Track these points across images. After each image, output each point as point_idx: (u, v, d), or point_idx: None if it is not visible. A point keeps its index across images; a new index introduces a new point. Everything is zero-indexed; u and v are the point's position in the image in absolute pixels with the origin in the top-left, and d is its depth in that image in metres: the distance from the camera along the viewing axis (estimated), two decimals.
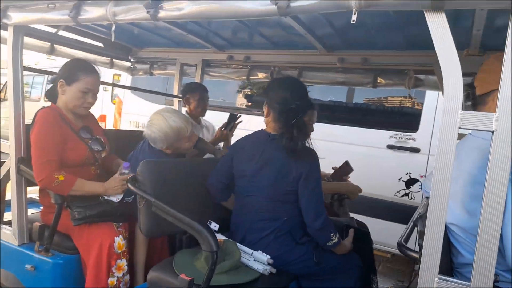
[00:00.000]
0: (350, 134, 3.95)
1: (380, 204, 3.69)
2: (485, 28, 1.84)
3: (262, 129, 1.93)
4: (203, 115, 3.12)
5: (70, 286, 1.85)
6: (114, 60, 3.55)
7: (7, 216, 2.20)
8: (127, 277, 1.85)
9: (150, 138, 2.03)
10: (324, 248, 1.82)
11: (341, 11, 1.20)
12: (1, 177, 2.06)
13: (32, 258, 1.86)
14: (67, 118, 1.97)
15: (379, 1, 1.11)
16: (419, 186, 3.64)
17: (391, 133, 3.78)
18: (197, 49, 3.17)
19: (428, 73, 2.60)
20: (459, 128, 1.02)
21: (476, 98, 1.25)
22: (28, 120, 2.01)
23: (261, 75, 3.18)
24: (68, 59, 3.19)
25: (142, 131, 2.12)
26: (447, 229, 1.19)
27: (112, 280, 1.80)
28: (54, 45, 3.05)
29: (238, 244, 1.75)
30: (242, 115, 2.93)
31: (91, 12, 1.67)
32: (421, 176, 3.62)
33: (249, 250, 1.75)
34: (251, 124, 3.12)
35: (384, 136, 3.80)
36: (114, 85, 5.20)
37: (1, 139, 2.10)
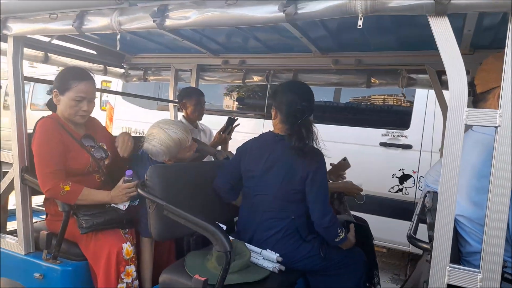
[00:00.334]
0: (344, 133, 4.03)
1: (375, 200, 3.77)
2: (475, 28, 1.93)
3: (269, 131, 1.99)
4: (200, 119, 3.15)
5: None
6: (107, 67, 3.55)
7: (10, 225, 2.21)
8: (136, 283, 1.87)
9: (151, 152, 1.99)
10: (330, 245, 1.88)
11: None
12: (4, 187, 2.05)
13: (40, 267, 1.87)
14: (67, 126, 1.97)
15: (385, 6, 1.16)
16: (412, 181, 3.74)
17: (384, 131, 3.87)
18: (192, 54, 3.20)
19: (420, 72, 2.68)
20: (465, 124, 1.08)
21: (477, 96, 1.32)
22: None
23: (256, 78, 3.23)
24: (62, 67, 3.21)
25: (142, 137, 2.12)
26: (454, 221, 1.25)
27: (121, 286, 1.82)
28: (48, 54, 3.04)
29: (246, 244, 1.79)
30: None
31: (95, 22, 1.68)
32: (414, 172, 3.72)
33: (258, 249, 1.79)
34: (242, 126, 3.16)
35: (377, 134, 3.89)
36: (111, 91, 5.18)
37: (2, 149, 2.10)
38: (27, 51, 2.81)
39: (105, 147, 2.10)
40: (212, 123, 3.58)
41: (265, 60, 3.02)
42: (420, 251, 3.34)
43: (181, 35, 2.69)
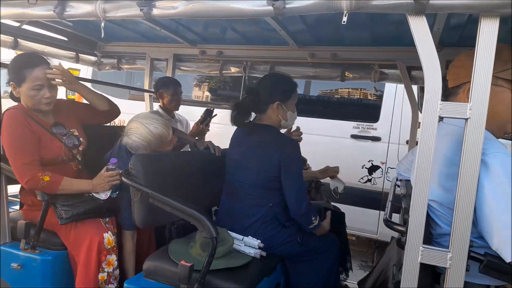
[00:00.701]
0: (317, 125, 4.14)
1: (345, 190, 3.91)
2: (445, 26, 2.05)
3: (252, 120, 2.05)
4: (177, 109, 3.15)
5: (60, 282, 1.85)
6: (79, 54, 3.45)
7: None
8: (117, 272, 1.88)
9: (131, 146, 1.96)
10: (306, 231, 1.96)
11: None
12: None
13: (18, 257, 1.84)
14: (35, 116, 1.91)
15: (368, 4, 1.23)
16: (380, 172, 3.91)
17: (355, 123, 4.01)
18: (168, 43, 3.17)
19: (392, 67, 2.80)
20: (439, 116, 1.18)
21: (448, 90, 1.42)
22: None
23: (234, 69, 3.25)
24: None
25: (119, 127, 2.11)
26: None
27: (102, 275, 1.82)
28: (18, 39, 2.93)
29: (229, 231, 1.85)
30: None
31: (78, 8, 1.64)
32: (382, 163, 3.89)
33: (240, 236, 1.86)
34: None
35: (348, 127, 4.03)
36: (82, 79, 5.01)
37: None
38: None
39: (77, 133, 2.06)
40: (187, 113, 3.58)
41: (243, 52, 3.05)
42: (386, 239, 3.53)
43: (158, 23, 2.66)
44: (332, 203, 2.83)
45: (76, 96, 5.70)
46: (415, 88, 2.85)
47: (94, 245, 1.79)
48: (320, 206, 2.29)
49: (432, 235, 1.39)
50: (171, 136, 2.06)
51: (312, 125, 4.13)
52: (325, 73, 2.98)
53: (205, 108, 3.04)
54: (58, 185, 1.81)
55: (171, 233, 1.96)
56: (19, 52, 2.71)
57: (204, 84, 5.19)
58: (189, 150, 2.78)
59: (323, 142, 4.06)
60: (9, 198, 2.36)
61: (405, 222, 1.28)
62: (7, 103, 2.00)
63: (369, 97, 4.19)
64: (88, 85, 5.16)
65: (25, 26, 2.83)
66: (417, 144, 1.23)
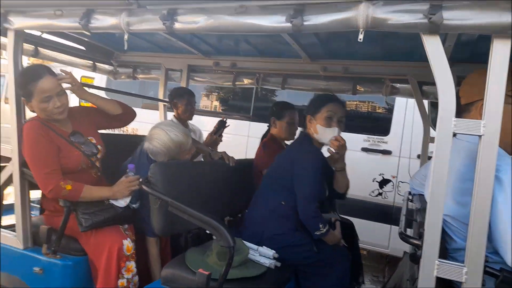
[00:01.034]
0: None
1: (356, 204, 3.92)
2: (456, 43, 2.08)
3: None
4: (191, 119, 3.20)
5: (79, 286, 1.89)
6: (96, 63, 3.55)
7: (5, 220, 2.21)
8: (136, 278, 1.91)
9: (151, 151, 2.04)
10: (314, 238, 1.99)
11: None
12: (2, 181, 2.05)
13: (39, 261, 1.89)
14: (53, 126, 1.94)
15: (384, 23, 1.27)
16: (391, 186, 3.91)
17: (365, 136, 4.04)
18: (183, 54, 3.24)
19: (403, 82, 2.84)
20: (453, 132, 1.21)
21: (461, 107, 1.45)
22: None
23: (246, 81, 3.31)
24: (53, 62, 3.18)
25: (136, 136, 2.17)
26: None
27: (122, 282, 1.86)
28: (38, 48, 3.02)
29: (244, 241, 1.88)
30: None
31: (103, 21, 1.71)
32: (393, 177, 3.90)
33: (255, 246, 1.89)
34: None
35: (358, 140, 4.05)
36: (100, 88, 5.11)
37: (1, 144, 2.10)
38: None
39: (94, 141, 2.10)
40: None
41: (256, 64, 3.12)
42: (398, 254, 3.52)
43: (174, 35, 2.73)
44: (342, 216, 2.85)
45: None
46: (426, 103, 2.88)
47: (114, 251, 1.83)
48: (327, 218, 2.32)
49: (448, 250, 1.41)
50: (190, 145, 2.11)
51: None
52: (336, 87, 3.03)
53: (218, 119, 3.09)
54: (79, 193, 1.86)
55: (186, 241, 2.01)
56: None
57: (215, 94, 5.27)
58: (202, 160, 2.83)
59: None
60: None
61: (420, 236, 1.30)
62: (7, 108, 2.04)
63: (380, 111, 4.22)
64: (102, 93, 5.29)
65: (45, 35, 2.92)
66: (429, 158, 1.26)
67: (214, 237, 1.77)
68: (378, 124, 4.15)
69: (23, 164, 1.94)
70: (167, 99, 3.28)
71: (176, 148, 2.04)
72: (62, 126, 1.99)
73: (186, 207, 1.63)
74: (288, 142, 2.78)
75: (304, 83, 3.13)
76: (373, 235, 3.90)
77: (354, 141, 4.07)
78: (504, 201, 1.18)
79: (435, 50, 1.25)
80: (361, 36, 1.34)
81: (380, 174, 3.94)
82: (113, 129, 5.15)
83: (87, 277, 1.90)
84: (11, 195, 2.34)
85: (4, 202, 2.21)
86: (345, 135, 4.04)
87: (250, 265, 1.77)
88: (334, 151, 2.02)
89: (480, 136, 1.18)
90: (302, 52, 2.69)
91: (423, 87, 2.75)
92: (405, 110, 3.95)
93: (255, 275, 1.70)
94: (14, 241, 1.98)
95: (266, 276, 1.74)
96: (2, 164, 2.08)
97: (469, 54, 2.35)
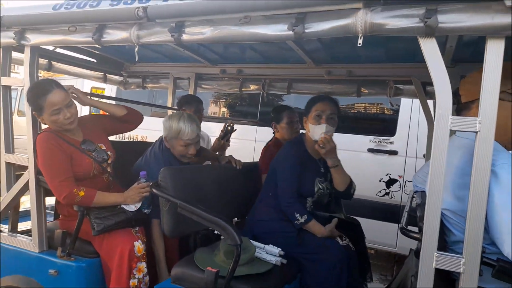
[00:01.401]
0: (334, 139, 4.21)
1: (363, 204, 3.97)
2: (456, 43, 2.13)
3: None
4: None
5: (93, 287, 1.97)
6: (107, 75, 3.66)
7: (21, 226, 2.30)
8: (147, 278, 1.98)
9: (163, 123, 2.28)
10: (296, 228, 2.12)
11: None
12: (18, 189, 2.14)
13: (54, 264, 1.97)
14: (64, 136, 2.03)
15: (382, 27, 1.34)
16: (398, 186, 3.95)
17: (371, 137, 4.08)
18: (190, 63, 3.33)
19: (406, 83, 2.89)
20: (450, 130, 1.27)
21: (462, 104, 1.50)
22: None
23: (252, 87, 3.39)
24: (65, 75, 3.29)
25: (146, 143, 2.28)
26: (440, 214, 1.43)
27: (133, 282, 1.93)
28: (52, 61, 3.14)
29: (250, 240, 1.95)
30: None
31: (114, 35, 1.80)
32: (400, 177, 3.94)
33: (261, 245, 1.96)
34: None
35: (364, 141, 4.10)
36: (108, 97, 5.25)
37: (17, 153, 2.20)
38: None
39: (104, 147, 2.19)
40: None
41: (261, 70, 3.19)
42: (405, 252, 3.55)
43: (182, 45, 2.82)
44: (350, 215, 2.89)
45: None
46: (430, 103, 2.93)
47: (125, 253, 1.90)
48: (325, 216, 2.38)
49: (447, 243, 1.46)
50: (189, 140, 2.22)
51: None
52: (341, 90, 3.09)
53: (225, 124, 3.17)
54: (92, 199, 1.95)
55: (195, 242, 2.08)
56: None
57: (221, 100, 5.36)
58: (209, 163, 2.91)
59: (340, 156, 4.13)
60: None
61: (420, 230, 1.35)
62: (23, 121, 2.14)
63: (386, 112, 4.27)
64: (113, 103, 5.40)
65: (58, 49, 3.04)
66: None
67: (222, 237, 1.84)
68: (384, 125, 4.19)
69: (38, 172, 2.03)
70: (175, 107, 3.37)
71: (174, 132, 2.20)
72: (73, 136, 2.09)
73: (194, 208, 1.70)
74: None
75: (309, 87, 3.19)
76: (380, 235, 3.94)
77: (361, 142, 4.12)
78: (499, 195, 1.23)
79: (431, 52, 1.30)
80: (360, 41, 1.40)
81: (387, 174, 3.98)
82: (123, 137, 5.31)
83: (100, 278, 1.98)
84: (24, 203, 2.45)
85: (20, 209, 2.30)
86: (351, 137, 4.17)
87: (256, 262, 1.83)
88: (320, 146, 2.13)
89: (476, 132, 1.24)
90: (306, 57, 2.75)
91: (427, 87, 2.79)
92: (411, 111, 3.99)
93: (262, 272, 1.76)
94: (30, 245, 2.07)
95: (272, 273, 1.81)
96: (18, 173, 2.18)
97: (472, 54, 2.40)
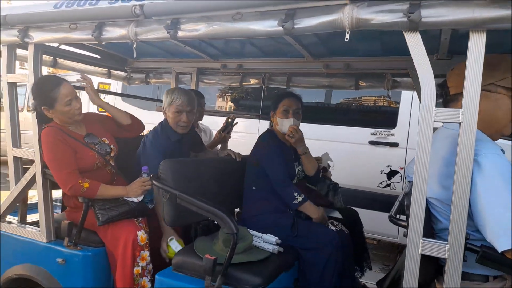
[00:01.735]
0: (335, 132, 4.27)
1: (365, 195, 4.02)
2: (452, 35, 2.16)
3: None
4: (201, 119, 3.35)
5: (99, 275, 2.06)
6: (111, 70, 3.73)
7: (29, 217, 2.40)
8: (150, 266, 2.06)
9: (163, 97, 2.52)
10: (292, 209, 2.22)
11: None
12: (26, 182, 2.23)
13: (62, 253, 2.06)
14: (68, 130, 2.12)
15: (367, 23, 1.38)
16: (399, 177, 3.99)
17: (372, 130, 4.12)
18: (192, 58, 3.38)
19: (404, 75, 2.91)
20: (434, 121, 1.31)
21: (450, 96, 1.54)
22: None
23: (253, 81, 3.44)
24: (70, 72, 3.37)
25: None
26: (427, 203, 1.47)
27: (137, 269, 2.01)
28: (57, 58, 3.22)
29: (248, 229, 2.01)
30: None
31: (113, 32, 1.87)
32: (401, 168, 3.97)
33: (259, 234, 2.02)
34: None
35: (365, 133, 4.13)
36: (112, 93, 5.34)
37: (24, 147, 2.29)
38: None
39: (107, 141, 2.27)
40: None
41: (261, 64, 3.23)
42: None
43: (182, 41, 2.87)
44: (350, 206, 2.94)
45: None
46: None
47: (129, 242, 1.98)
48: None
49: (434, 230, 1.51)
50: (179, 106, 2.40)
51: (330, 132, 4.27)
52: (339, 83, 3.12)
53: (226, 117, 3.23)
54: (96, 191, 2.03)
55: (196, 232, 2.15)
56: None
57: (227, 95, 5.42)
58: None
59: (342, 149, 4.19)
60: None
61: (407, 218, 1.40)
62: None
63: (386, 104, 4.29)
64: (118, 98, 5.48)
65: (62, 46, 3.11)
66: None
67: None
68: (385, 117, 4.22)
69: (44, 166, 2.12)
70: None
71: (169, 101, 2.44)
72: (76, 130, 2.18)
73: (192, 198, 1.77)
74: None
75: (308, 81, 3.23)
76: (382, 225, 3.96)
77: (361, 135, 4.16)
78: (481, 183, 1.27)
79: (415, 45, 1.35)
80: (347, 36, 1.45)
81: (388, 166, 4.02)
82: None
83: (105, 266, 2.07)
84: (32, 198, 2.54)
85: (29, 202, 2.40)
86: (351, 130, 4.21)
87: (254, 251, 1.90)
88: (290, 135, 2.31)
89: (459, 123, 1.28)
90: (304, 52, 2.79)
91: None
92: (411, 103, 4.02)
93: (259, 260, 1.82)
94: (38, 235, 2.17)
95: (270, 260, 1.87)
96: (25, 167, 2.27)
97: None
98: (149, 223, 2.17)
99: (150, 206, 2.17)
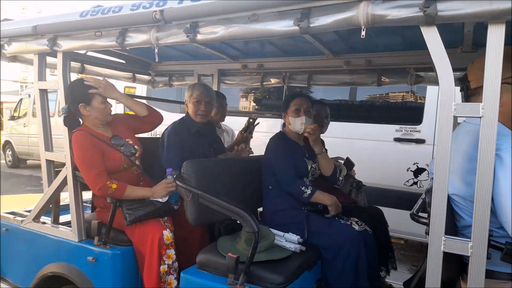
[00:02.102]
0: (359, 130, 4.22)
1: (391, 194, 3.95)
2: (475, 27, 2.10)
3: None
4: (223, 120, 3.39)
5: (127, 273, 2.13)
6: (136, 74, 3.84)
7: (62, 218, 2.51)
8: (176, 264, 2.12)
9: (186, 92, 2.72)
10: (305, 202, 2.24)
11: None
12: (57, 184, 2.34)
13: (92, 252, 2.15)
14: (96, 133, 2.22)
15: (383, 19, 1.37)
16: (426, 175, 3.90)
17: (397, 126, 4.04)
18: (213, 60, 3.44)
19: (428, 70, 2.85)
20: (454, 116, 1.29)
21: (470, 90, 1.51)
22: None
23: (273, 80, 3.46)
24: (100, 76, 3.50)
25: None
26: (450, 199, 1.45)
27: (163, 267, 2.07)
28: (84, 64, 3.35)
29: (270, 228, 2.03)
30: None
31: (135, 38, 1.94)
32: (427, 166, 3.88)
33: (281, 233, 2.04)
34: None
35: (390, 130, 4.07)
36: (139, 96, 5.49)
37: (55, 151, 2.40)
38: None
39: (131, 142, 2.35)
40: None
41: (281, 64, 3.25)
42: None
43: (202, 43, 2.92)
44: (374, 205, 2.91)
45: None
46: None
47: (155, 241, 2.04)
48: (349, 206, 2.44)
49: (457, 227, 1.48)
50: (197, 97, 2.58)
51: (354, 130, 4.22)
52: (361, 80, 3.09)
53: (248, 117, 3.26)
54: (123, 192, 2.11)
55: (220, 231, 2.19)
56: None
57: (250, 95, 5.46)
58: None
59: (366, 146, 4.14)
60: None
61: (429, 215, 1.38)
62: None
63: (412, 100, 4.21)
64: (143, 101, 5.60)
65: (89, 53, 3.23)
66: None
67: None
68: (411, 113, 4.14)
69: (75, 168, 2.22)
70: None
71: (189, 92, 2.63)
72: (104, 132, 2.27)
73: (214, 198, 1.81)
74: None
75: (329, 79, 3.22)
76: (410, 225, 3.85)
77: (387, 132, 4.10)
78: (504, 178, 1.25)
79: (433, 40, 1.34)
80: (363, 33, 1.44)
81: (414, 164, 3.94)
82: (155, 133, 5.53)
83: (133, 264, 2.14)
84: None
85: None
86: (376, 127, 4.14)
87: (276, 249, 1.92)
88: (310, 133, 2.33)
89: (480, 117, 1.26)
90: (324, 49, 2.79)
91: None
92: (438, 98, 3.90)
93: (281, 259, 1.84)
94: (70, 235, 2.27)
95: (291, 259, 1.88)
96: (57, 169, 2.39)
97: None
98: (174, 222, 2.22)
99: (175, 207, 2.23)
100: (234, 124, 3.75)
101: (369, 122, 4.27)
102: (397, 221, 3.74)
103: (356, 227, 2.10)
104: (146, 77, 3.96)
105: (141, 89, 5.82)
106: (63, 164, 2.31)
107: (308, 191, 2.23)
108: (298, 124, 2.36)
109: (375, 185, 3.82)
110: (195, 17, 1.72)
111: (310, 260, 2.00)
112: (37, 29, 2.18)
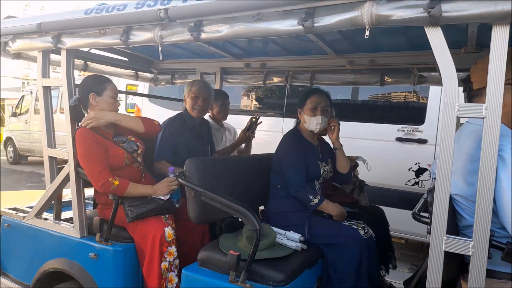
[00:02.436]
0: (362, 129, 4.22)
1: (392, 193, 3.95)
2: (479, 28, 2.10)
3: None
4: (225, 119, 3.41)
5: (128, 269, 2.14)
6: (138, 72, 3.84)
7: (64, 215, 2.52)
8: (177, 261, 2.13)
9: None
10: (310, 210, 2.20)
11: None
12: (60, 181, 2.35)
13: (94, 248, 2.16)
14: (99, 130, 2.22)
15: (387, 19, 1.37)
16: (428, 174, 3.90)
17: (399, 126, 4.05)
18: (216, 58, 3.44)
19: (431, 70, 2.85)
20: (457, 117, 1.30)
21: (473, 91, 1.51)
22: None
23: (276, 79, 3.46)
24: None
25: None
26: (452, 199, 1.46)
27: (164, 264, 2.08)
28: (87, 62, 3.36)
29: (272, 227, 2.04)
30: None
31: (139, 36, 1.94)
32: (429, 166, 3.88)
33: (282, 231, 2.05)
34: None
35: (392, 130, 4.07)
36: (138, 94, 5.52)
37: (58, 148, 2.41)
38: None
39: (133, 139, 2.36)
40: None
41: (284, 63, 3.25)
42: None
43: (206, 42, 2.93)
44: (375, 205, 2.92)
45: (135, 110, 6.23)
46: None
47: (156, 238, 2.05)
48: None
49: (459, 227, 1.48)
50: (195, 92, 2.71)
51: (357, 129, 4.22)
52: (364, 79, 3.10)
53: (250, 116, 3.26)
54: (125, 189, 2.12)
55: (221, 228, 2.20)
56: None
57: (252, 93, 5.46)
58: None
59: (368, 146, 4.14)
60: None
61: (430, 215, 1.39)
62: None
63: (414, 100, 4.21)
64: (146, 99, 5.65)
65: (92, 50, 3.24)
66: None
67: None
68: (413, 113, 4.14)
69: (77, 165, 2.22)
70: None
71: (188, 88, 2.76)
72: (107, 129, 2.28)
73: (216, 196, 1.82)
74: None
75: (332, 78, 3.23)
76: (411, 224, 3.88)
77: (389, 131, 4.10)
78: (506, 179, 1.25)
79: (437, 40, 1.34)
80: (367, 33, 1.45)
81: (416, 163, 3.94)
82: None
83: (135, 261, 2.15)
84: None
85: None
86: (378, 127, 4.14)
87: (277, 248, 1.93)
88: (331, 127, 2.36)
89: (483, 118, 1.26)
90: (327, 48, 2.79)
91: None
92: (440, 98, 3.91)
93: (282, 256, 1.85)
94: (72, 231, 2.28)
95: (293, 257, 1.89)
96: (60, 166, 2.40)
97: None
98: (176, 220, 2.23)
99: (177, 205, 2.24)
100: (236, 123, 3.76)
101: (371, 122, 4.28)
102: (398, 220, 3.74)
103: (362, 233, 2.09)
104: (149, 75, 3.96)
105: (143, 87, 5.83)
106: (65, 161, 2.32)
107: (316, 200, 2.17)
108: (314, 124, 2.30)
109: (376, 185, 3.83)
110: (199, 15, 1.72)
111: (311, 259, 2.00)
112: (41, 27, 2.18)
